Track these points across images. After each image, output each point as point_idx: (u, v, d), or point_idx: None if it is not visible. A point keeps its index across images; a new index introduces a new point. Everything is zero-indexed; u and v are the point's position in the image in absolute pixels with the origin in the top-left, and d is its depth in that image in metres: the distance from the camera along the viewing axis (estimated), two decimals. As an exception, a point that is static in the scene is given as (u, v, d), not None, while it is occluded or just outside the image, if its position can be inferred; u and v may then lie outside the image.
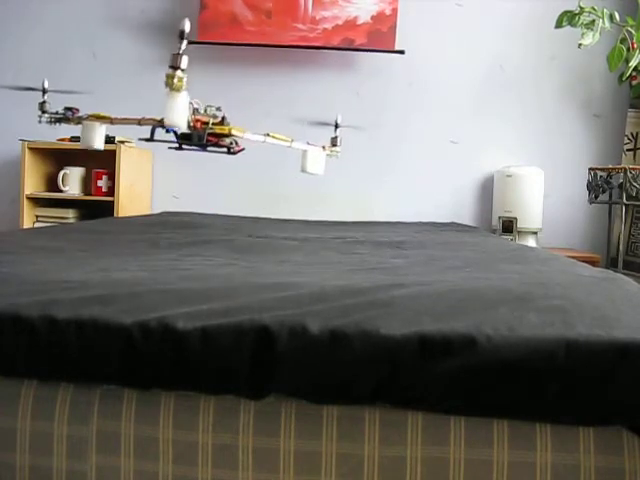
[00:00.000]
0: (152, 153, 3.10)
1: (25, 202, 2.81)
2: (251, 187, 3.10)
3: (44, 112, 1.62)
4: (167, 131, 1.54)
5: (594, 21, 2.52)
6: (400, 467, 0.73)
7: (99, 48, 3.14)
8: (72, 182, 2.88)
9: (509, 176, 2.85)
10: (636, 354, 0.68)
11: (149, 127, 1.51)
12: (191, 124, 1.53)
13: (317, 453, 0.74)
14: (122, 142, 2.82)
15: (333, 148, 1.94)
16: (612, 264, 2.74)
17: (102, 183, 2.83)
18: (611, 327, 0.72)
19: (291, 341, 0.71)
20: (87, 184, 2.90)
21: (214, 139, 1.61)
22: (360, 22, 2.93)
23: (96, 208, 2.85)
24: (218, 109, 1.61)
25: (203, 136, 1.57)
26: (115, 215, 2.75)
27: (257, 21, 2.94)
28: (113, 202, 2.77)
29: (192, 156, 3.14)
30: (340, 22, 2.93)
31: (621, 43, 2.52)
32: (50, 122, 1.61)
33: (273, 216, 2.76)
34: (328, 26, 2.93)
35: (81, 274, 1.00)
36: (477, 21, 3.04)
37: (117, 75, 3.15)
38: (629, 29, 2.52)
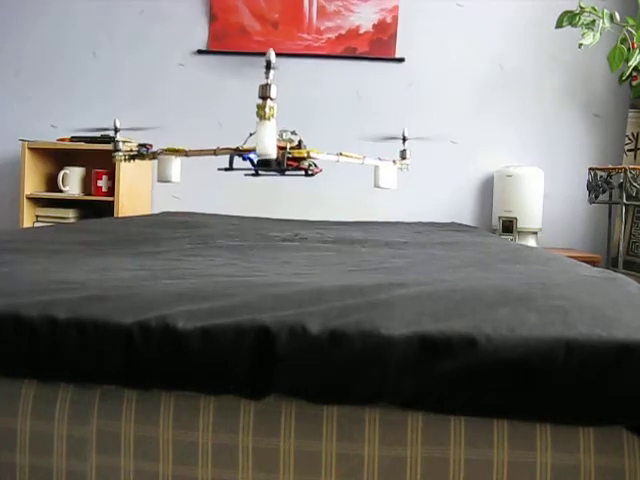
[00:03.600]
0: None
1: (25, 202, 2.81)
2: (251, 187, 3.10)
3: (117, 150, 1.66)
4: (244, 159, 1.57)
5: (594, 21, 2.53)
6: (400, 467, 0.73)
7: (99, 48, 3.14)
8: (72, 182, 2.88)
9: (509, 176, 2.85)
10: (636, 354, 0.68)
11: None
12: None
13: (317, 453, 0.74)
14: (122, 142, 2.82)
15: (403, 161, 1.99)
16: (612, 264, 2.74)
17: (102, 183, 2.83)
18: (611, 327, 0.72)
19: (291, 341, 0.71)
20: (87, 184, 2.90)
21: (294, 163, 1.64)
22: (362, 31, 3.04)
23: (96, 208, 2.85)
24: (293, 133, 1.64)
25: (283, 161, 1.59)
26: (115, 215, 2.75)
27: (264, 31, 3.07)
28: (113, 202, 2.77)
29: (192, 156, 3.15)
30: (343, 32, 3.05)
31: (621, 43, 2.52)
32: (125, 160, 1.65)
33: (273, 216, 2.76)
34: (332, 35, 3.05)
35: (81, 274, 1.00)
36: (477, 21, 3.04)
37: (119, 77, 3.15)
38: (629, 29, 2.52)
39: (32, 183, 2.85)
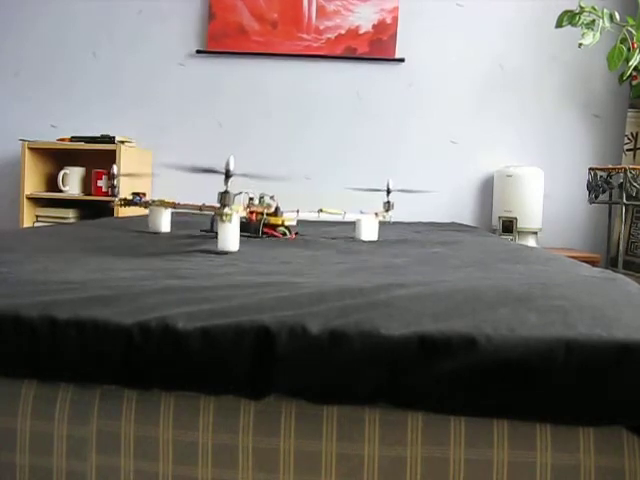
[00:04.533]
0: (152, 153, 3.11)
1: (25, 202, 2.81)
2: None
3: (115, 196, 1.78)
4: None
5: (594, 21, 2.53)
6: (400, 467, 0.73)
7: (99, 48, 3.14)
8: (72, 182, 2.88)
9: (509, 176, 2.85)
10: (636, 354, 0.68)
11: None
12: (246, 216, 1.66)
13: (317, 453, 0.74)
14: (122, 142, 2.82)
15: (386, 214, 2.03)
16: (612, 264, 2.74)
17: (102, 183, 2.83)
18: (611, 327, 0.72)
19: (291, 341, 0.71)
20: (87, 184, 2.90)
21: (269, 230, 1.73)
22: (362, 31, 3.04)
23: (96, 208, 2.85)
24: (271, 198, 1.74)
25: (259, 228, 1.69)
26: (115, 215, 2.75)
27: (263, 31, 3.06)
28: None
29: (193, 155, 3.16)
30: (343, 31, 3.04)
31: (621, 43, 2.52)
32: (121, 205, 1.78)
33: (273, 216, 2.76)
34: (331, 36, 3.05)
35: (81, 274, 1.00)
36: (477, 21, 3.05)
37: (119, 77, 3.15)
38: (629, 29, 2.52)
39: (32, 183, 2.85)
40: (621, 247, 2.57)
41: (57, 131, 3.06)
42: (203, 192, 3.09)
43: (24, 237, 1.64)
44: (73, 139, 2.88)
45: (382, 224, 1.99)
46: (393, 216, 2.06)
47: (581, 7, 2.52)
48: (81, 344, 0.75)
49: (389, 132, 3.09)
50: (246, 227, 1.68)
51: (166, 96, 3.12)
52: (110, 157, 2.76)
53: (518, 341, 0.70)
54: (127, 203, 1.77)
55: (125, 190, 2.81)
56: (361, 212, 1.93)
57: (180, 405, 0.76)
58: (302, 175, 3.10)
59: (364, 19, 3.03)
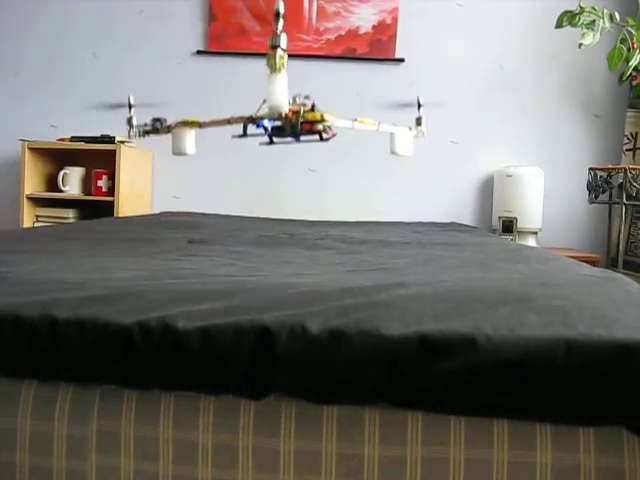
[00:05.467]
0: (152, 153, 3.11)
1: (25, 202, 2.81)
2: (251, 187, 3.11)
3: (131, 126, 1.68)
4: (257, 125, 1.58)
5: (594, 21, 2.52)
6: (400, 467, 0.73)
7: (99, 48, 3.14)
8: (72, 182, 2.88)
9: (509, 176, 2.85)
10: (636, 354, 0.68)
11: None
12: (283, 115, 1.56)
13: (317, 453, 0.74)
14: (122, 142, 2.82)
15: (418, 128, 1.98)
16: (612, 264, 2.74)
17: (102, 183, 2.83)
18: (611, 327, 0.72)
19: (291, 341, 0.71)
20: (87, 184, 2.90)
21: (308, 126, 1.64)
22: (362, 32, 3.05)
23: (96, 208, 2.85)
24: (307, 97, 1.66)
25: (297, 125, 1.59)
26: (115, 215, 2.75)
27: (264, 32, 3.06)
28: (113, 202, 2.77)
29: (193, 156, 3.16)
30: (343, 32, 3.05)
31: (621, 43, 2.52)
32: (139, 135, 1.67)
33: (273, 216, 2.76)
34: (331, 36, 3.06)
35: (81, 274, 1.00)
36: (477, 21, 3.04)
37: (119, 77, 3.15)
38: (629, 29, 2.52)
39: (32, 183, 2.85)
40: (621, 247, 2.57)
41: (57, 131, 3.06)
42: (204, 191, 3.10)
43: (24, 237, 1.64)
44: (73, 139, 2.88)
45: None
46: (426, 132, 2.02)
47: (581, 7, 2.52)
48: (81, 344, 0.75)
49: (389, 132, 3.09)
50: (282, 129, 1.61)
51: (166, 96, 3.12)
52: (110, 157, 2.76)
53: (518, 341, 0.70)
54: (147, 132, 1.69)
55: (125, 190, 2.81)
56: (394, 124, 1.90)
57: (180, 405, 0.76)
58: (301, 175, 3.10)
59: (364, 20, 3.04)
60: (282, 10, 1.27)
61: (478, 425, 0.73)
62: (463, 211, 3.08)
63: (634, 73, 2.65)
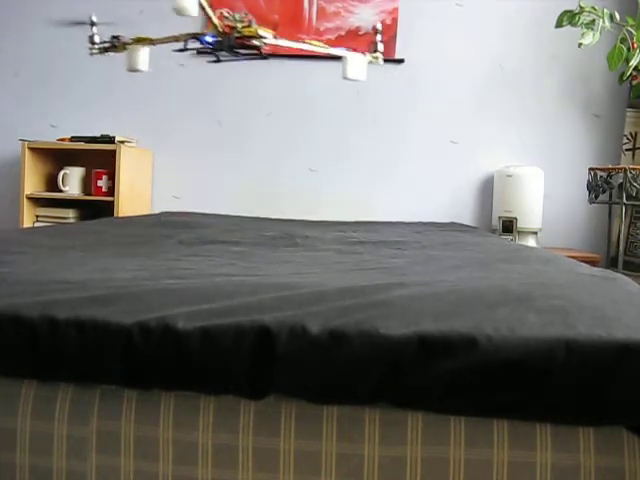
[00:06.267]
0: (152, 153, 3.11)
1: (25, 202, 2.81)
2: (251, 187, 3.11)
3: (94, 44, 1.72)
4: (201, 42, 1.63)
5: (594, 21, 2.52)
6: (400, 467, 0.73)
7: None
8: (72, 182, 2.88)
9: (509, 176, 2.85)
10: (636, 354, 0.68)
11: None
12: (221, 30, 1.63)
13: (317, 453, 0.74)
14: (122, 142, 2.82)
15: (374, 54, 1.94)
16: (612, 264, 2.74)
17: (102, 183, 2.83)
18: (611, 327, 0.72)
19: (291, 341, 0.71)
20: (87, 184, 2.90)
21: (243, 41, 1.70)
22: (362, 32, 3.05)
23: (96, 208, 2.85)
24: (245, 14, 1.70)
25: (232, 38, 1.66)
26: (115, 215, 2.75)
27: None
28: (113, 202, 2.77)
29: (193, 155, 3.16)
30: (343, 33, 3.06)
31: (621, 43, 2.52)
32: (100, 52, 1.72)
33: (273, 216, 2.76)
34: (331, 37, 3.05)
35: (81, 274, 1.00)
36: (477, 21, 3.04)
37: (119, 77, 3.15)
38: (629, 29, 2.52)
39: (32, 183, 2.85)
40: (621, 247, 2.57)
41: (57, 131, 3.06)
42: (204, 191, 3.10)
43: (24, 237, 1.64)
44: (73, 139, 2.88)
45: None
46: (381, 59, 1.99)
47: (581, 7, 2.52)
48: (81, 344, 0.75)
49: (389, 132, 3.09)
50: (221, 43, 1.69)
51: (166, 96, 3.12)
52: (110, 157, 2.76)
53: (518, 341, 0.70)
54: (106, 49, 1.74)
55: (125, 190, 2.81)
56: (347, 50, 1.89)
57: (180, 405, 0.77)
58: (301, 175, 3.10)
59: (364, 20, 3.04)
60: None
61: (478, 425, 0.73)
62: (463, 211, 3.08)
63: (634, 73, 2.64)
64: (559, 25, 2.57)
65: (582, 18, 2.52)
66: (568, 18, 2.53)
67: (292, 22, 3.06)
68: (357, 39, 3.04)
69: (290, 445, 0.74)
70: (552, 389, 0.69)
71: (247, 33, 1.70)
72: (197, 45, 1.76)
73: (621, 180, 2.53)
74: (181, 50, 1.73)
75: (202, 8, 1.62)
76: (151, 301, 0.81)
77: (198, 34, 1.62)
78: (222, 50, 1.70)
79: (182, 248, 1.50)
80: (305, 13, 3.05)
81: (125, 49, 1.75)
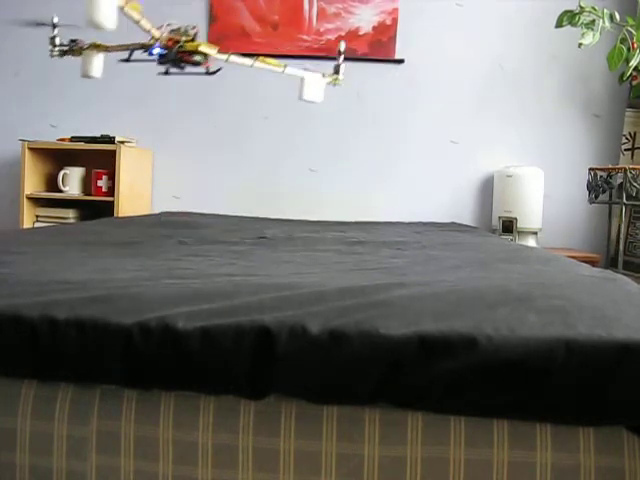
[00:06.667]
0: (152, 153, 3.11)
1: (25, 202, 2.81)
2: (251, 187, 3.11)
3: (54, 46, 1.70)
4: (149, 53, 1.60)
5: (594, 21, 2.52)
6: (400, 467, 0.73)
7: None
8: (72, 182, 2.88)
9: (509, 176, 2.85)
10: (636, 354, 0.68)
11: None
12: (164, 42, 1.61)
13: (317, 453, 0.74)
14: (122, 142, 2.82)
15: (334, 75, 1.88)
16: (612, 264, 2.74)
17: (102, 183, 2.83)
18: (611, 327, 0.72)
19: (291, 341, 0.71)
20: (87, 184, 2.90)
21: (184, 56, 1.65)
22: (362, 33, 3.05)
23: (96, 208, 2.85)
24: (193, 28, 1.67)
25: (174, 52, 1.62)
26: (115, 215, 2.75)
27: (264, 33, 3.08)
28: (113, 202, 2.77)
29: (193, 155, 3.16)
30: (343, 33, 3.05)
31: (621, 43, 2.52)
32: (60, 55, 1.69)
33: (273, 216, 2.76)
34: (331, 37, 3.05)
35: (81, 274, 1.00)
36: (477, 21, 3.04)
37: (119, 77, 3.15)
38: (629, 29, 2.52)
39: (32, 183, 2.85)
40: (621, 247, 2.57)
41: (57, 131, 3.06)
42: (204, 191, 3.10)
43: (24, 237, 1.64)
44: (73, 139, 2.88)
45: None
46: (342, 81, 1.91)
47: (581, 7, 2.52)
48: (81, 344, 0.75)
49: (389, 133, 3.09)
50: (165, 57, 1.66)
51: (166, 96, 3.12)
52: (110, 157, 2.76)
53: (519, 341, 0.70)
54: (64, 52, 1.70)
55: (125, 190, 2.81)
56: (305, 69, 1.82)
57: (180, 405, 0.76)
58: (301, 175, 3.10)
59: (364, 21, 3.04)
60: None
61: (478, 425, 0.73)
62: (463, 211, 3.07)
63: (634, 73, 2.64)
64: (559, 25, 2.57)
65: (582, 18, 2.52)
66: (568, 18, 2.53)
67: (292, 23, 3.06)
68: (357, 39, 3.04)
69: (290, 445, 0.74)
70: (552, 389, 0.69)
71: (189, 48, 1.66)
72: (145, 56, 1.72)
73: (621, 180, 2.53)
74: (126, 60, 1.70)
75: (136, 22, 1.58)
76: (151, 301, 0.81)
77: (146, 45, 1.59)
78: (167, 63, 1.66)
79: (182, 248, 1.50)
80: (305, 14, 3.05)
81: (80, 54, 1.73)
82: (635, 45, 2.49)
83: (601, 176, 2.57)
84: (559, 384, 0.69)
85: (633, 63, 2.50)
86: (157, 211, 3.02)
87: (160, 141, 3.12)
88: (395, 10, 3.03)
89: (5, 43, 3.16)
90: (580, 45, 2.52)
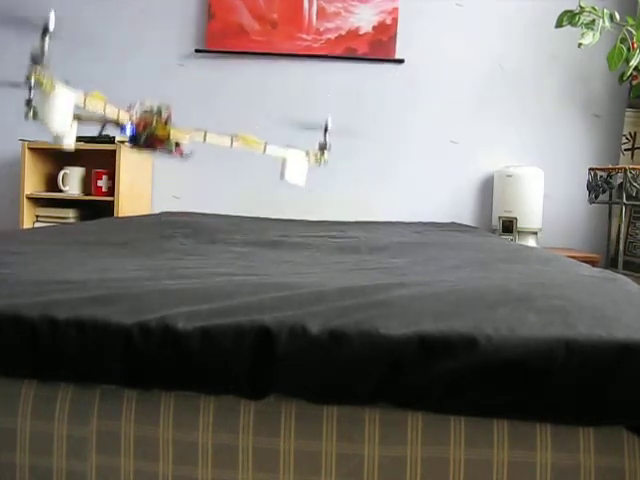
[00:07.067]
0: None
1: (25, 202, 2.81)
2: (251, 187, 3.11)
3: (30, 108, 1.59)
4: (121, 130, 1.53)
5: (594, 21, 2.52)
6: (400, 467, 0.73)
7: (99, 48, 3.14)
8: (72, 182, 2.88)
9: (509, 176, 2.85)
10: (636, 354, 0.68)
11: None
12: (135, 124, 1.50)
13: (317, 453, 0.74)
14: (122, 142, 2.82)
15: (320, 154, 1.73)
16: (612, 264, 2.74)
17: (102, 183, 2.83)
18: (611, 327, 0.72)
19: (291, 341, 0.71)
20: (87, 184, 2.90)
21: (154, 142, 1.54)
22: (362, 32, 3.04)
23: (96, 208, 2.85)
24: (167, 108, 1.57)
25: (143, 137, 1.52)
26: (115, 215, 2.75)
27: (263, 31, 3.06)
28: (113, 202, 2.77)
29: (192, 156, 3.15)
30: (343, 32, 3.05)
31: (621, 43, 2.52)
32: (34, 117, 1.57)
33: (273, 216, 2.76)
34: (331, 36, 3.05)
35: (81, 274, 1.00)
36: (477, 21, 3.04)
37: (119, 77, 3.15)
38: (629, 29, 2.51)
39: (32, 183, 2.85)
40: (620, 247, 2.57)
41: (57, 131, 3.05)
42: (204, 191, 3.10)
43: (24, 237, 1.64)
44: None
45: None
46: (328, 159, 1.73)
47: (581, 7, 2.52)
48: (81, 344, 0.75)
49: (389, 133, 3.09)
50: (136, 139, 1.54)
51: (166, 96, 3.11)
52: (110, 157, 2.76)
53: (518, 341, 0.70)
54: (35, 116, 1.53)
55: (125, 190, 2.81)
56: (287, 146, 1.67)
57: (180, 405, 0.76)
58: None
59: (364, 20, 3.04)
60: (52, 27, 1.19)
61: (478, 425, 0.73)
62: (463, 211, 3.07)
63: (634, 73, 2.64)
64: (559, 25, 2.57)
65: (582, 18, 2.52)
66: (568, 18, 2.53)
67: (292, 22, 3.06)
68: (357, 39, 3.04)
69: (290, 445, 0.74)
70: (552, 389, 0.69)
71: (160, 134, 1.55)
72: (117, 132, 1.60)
73: (621, 180, 2.53)
74: (97, 137, 1.58)
75: (104, 122, 1.50)
76: (151, 301, 0.81)
77: (119, 123, 1.49)
78: (137, 145, 1.55)
79: (182, 248, 1.50)
80: (305, 13, 3.04)
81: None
82: (635, 45, 2.49)
83: (601, 176, 2.57)
84: (559, 384, 0.69)
85: (633, 63, 2.50)
86: (157, 211, 3.02)
87: (160, 141, 3.11)
88: (395, 10, 3.02)
89: (5, 43, 3.16)
90: (580, 45, 2.52)
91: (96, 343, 0.74)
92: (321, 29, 3.05)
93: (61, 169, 2.87)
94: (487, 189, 3.06)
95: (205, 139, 1.65)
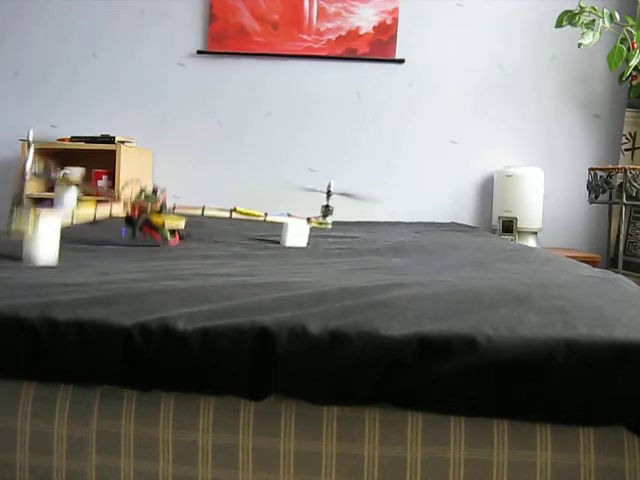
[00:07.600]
0: (152, 153, 3.11)
1: (25, 202, 2.81)
2: (251, 187, 3.11)
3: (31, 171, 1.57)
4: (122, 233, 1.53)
5: (594, 21, 2.52)
6: (400, 467, 0.73)
7: (99, 48, 3.14)
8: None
9: (509, 176, 2.85)
10: (636, 354, 0.68)
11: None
12: (129, 212, 1.50)
13: (317, 453, 0.74)
14: (122, 142, 2.82)
15: (322, 220, 1.68)
16: (612, 264, 2.74)
17: (102, 183, 2.83)
18: (611, 327, 0.72)
19: (291, 342, 0.71)
20: (87, 184, 2.90)
21: (149, 231, 1.51)
22: (362, 32, 3.05)
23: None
24: (163, 191, 1.55)
25: (138, 225, 1.50)
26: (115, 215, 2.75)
27: (264, 32, 3.08)
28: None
29: (193, 155, 3.16)
30: (343, 33, 3.06)
31: (621, 43, 2.52)
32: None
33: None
34: (332, 37, 3.06)
35: (81, 276, 0.99)
36: (477, 21, 3.04)
37: (119, 77, 3.15)
38: (629, 29, 2.52)
39: (32, 183, 2.85)
40: (620, 247, 2.57)
41: (57, 131, 3.06)
42: (204, 191, 3.10)
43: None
44: (73, 139, 2.88)
45: (318, 230, 1.69)
46: (330, 223, 1.73)
47: (581, 7, 2.52)
48: (81, 345, 0.75)
49: (389, 132, 3.09)
50: (133, 224, 1.53)
51: (166, 96, 3.12)
52: (110, 157, 2.76)
53: (518, 341, 0.70)
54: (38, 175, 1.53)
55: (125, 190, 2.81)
56: (288, 215, 1.67)
57: (180, 405, 0.76)
58: (301, 175, 3.09)
59: (365, 20, 3.04)
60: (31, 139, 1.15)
61: (478, 425, 0.73)
62: (463, 211, 3.08)
63: (634, 73, 2.64)
64: (559, 25, 2.57)
65: (582, 18, 2.52)
66: (568, 18, 2.53)
67: (292, 22, 3.06)
68: (357, 39, 3.04)
69: (290, 445, 0.74)
70: (552, 389, 0.69)
71: (154, 221, 1.49)
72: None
73: (621, 180, 2.53)
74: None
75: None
76: (151, 302, 0.81)
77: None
78: (134, 232, 1.51)
79: (182, 248, 1.50)
80: (305, 13, 3.05)
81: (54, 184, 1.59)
82: (635, 45, 2.49)
83: (601, 176, 2.57)
84: (559, 384, 0.69)
85: (633, 63, 2.50)
86: (157, 211, 3.02)
87: (160, 141, 3.12)
88: (395, 10, 3.03)
89: (5, 43, 3.16)
90: (580, 45, 2.52)
91: (96, 344, 0.74)
92: (321, 29, 3.05)
93: (61, 169, 2.87)
94: (487, 189, 3.06)
95: (203, 213, 1.62)
